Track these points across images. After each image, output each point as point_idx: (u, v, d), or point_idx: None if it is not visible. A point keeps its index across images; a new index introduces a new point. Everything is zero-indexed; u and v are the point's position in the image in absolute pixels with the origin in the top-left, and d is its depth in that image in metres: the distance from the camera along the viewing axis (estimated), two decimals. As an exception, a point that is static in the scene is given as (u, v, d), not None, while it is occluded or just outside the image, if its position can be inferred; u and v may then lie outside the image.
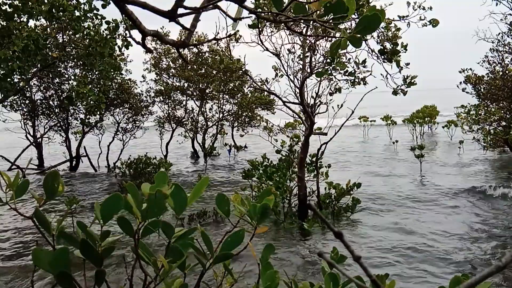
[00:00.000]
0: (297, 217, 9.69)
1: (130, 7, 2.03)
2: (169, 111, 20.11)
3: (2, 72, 7.22)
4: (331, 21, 1.70)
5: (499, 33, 15.61)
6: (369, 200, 11.30)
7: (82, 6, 7.88)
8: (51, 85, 16.59)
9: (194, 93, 20.37)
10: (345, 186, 10.02)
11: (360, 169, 16.31)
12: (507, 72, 15.17)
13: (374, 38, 8.47)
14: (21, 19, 7.48)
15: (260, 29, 8.46)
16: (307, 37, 9.23)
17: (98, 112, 13.82)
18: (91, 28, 8.33)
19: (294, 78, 9.58)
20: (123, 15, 2.09)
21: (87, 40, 8.48)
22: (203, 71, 19.18)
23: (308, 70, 9.32)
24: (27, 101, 17.14)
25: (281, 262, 7.32)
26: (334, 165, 13.33)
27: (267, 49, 9.20)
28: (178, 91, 20.02)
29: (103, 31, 8.36)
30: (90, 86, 10.46)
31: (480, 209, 10.51)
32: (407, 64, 8.57)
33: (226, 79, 19.17)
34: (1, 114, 16.49)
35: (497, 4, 14.19)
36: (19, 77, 8.48)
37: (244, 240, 1.55)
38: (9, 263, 7.68)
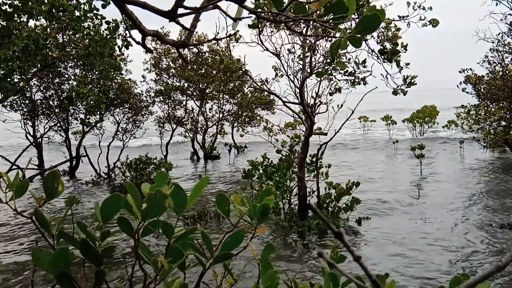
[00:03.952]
0: (297, 217, 9.68)
1: (130, 7, 2.03)
2: (169, 111, 20.11)
3: (2, 72, 7.21)
4: (331, 21, 1.70)
5: (499, 33, 15.65)
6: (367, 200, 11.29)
7: (82, 6, 7.87)
8: (51, 85, 16.57)
9: (194, 93, 20.37)
10: (345, 186, 10.00)
11: (358, 170, 16.29)
12: (507, 72, 15.18)
13: (374, 38, 8.46)
14: (21, 19, 7.47)
15: (260, 29, 8.45)
16: (307, 37, 9.22)
17: (98, 112, 13.80)
18: (91, 28, 8.32)
19: (294, 78, 9.58)
20: (123, 15, 2.09)
21: (87, 40, 8.46)
22: (203, 71, 19.19)
23: (308, 70, 9.32)
24: (27, 101, 17.11)
25: (281, 262, 7.32)
26: (333, 166, 13.31)
27: (267, 49, 9.19)
28: (178, 91, 20.03)
29: (103, 31, 8.35)
30: (90, 86, 10.45)
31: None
32: (407, 64, 8.57)
33: (226, 79, 19.18)
34: (1, 114, 16.49)
35: (497, 4, 14.22)
36: (19, 77, 8.47)
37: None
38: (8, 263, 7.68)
